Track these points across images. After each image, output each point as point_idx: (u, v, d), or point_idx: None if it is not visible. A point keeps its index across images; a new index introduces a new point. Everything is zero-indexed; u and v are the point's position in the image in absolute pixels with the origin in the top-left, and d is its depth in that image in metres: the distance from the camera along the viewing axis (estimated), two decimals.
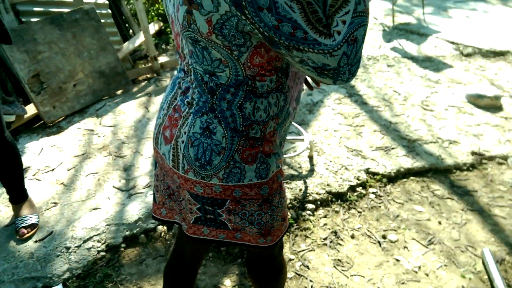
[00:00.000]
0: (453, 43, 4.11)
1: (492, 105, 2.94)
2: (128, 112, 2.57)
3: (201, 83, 0.83)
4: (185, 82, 0.88)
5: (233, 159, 0.84)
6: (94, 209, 1.82)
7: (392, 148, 2.39)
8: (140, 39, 3.17)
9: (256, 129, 0.84)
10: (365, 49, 3.85)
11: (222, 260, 1.64)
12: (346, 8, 0.65)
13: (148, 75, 3.09)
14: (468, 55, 3.89)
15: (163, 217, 1.06)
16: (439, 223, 1.88)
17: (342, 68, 0.68)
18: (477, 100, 2.97)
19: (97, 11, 2.96)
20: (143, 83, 2.98)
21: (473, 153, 2.39)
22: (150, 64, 3.13)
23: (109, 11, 3.19)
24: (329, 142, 2.41)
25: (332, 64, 0.67)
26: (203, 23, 0.71)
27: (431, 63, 3.65)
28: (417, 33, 4.34)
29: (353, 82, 3.20)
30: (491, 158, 2.37)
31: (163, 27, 3.74)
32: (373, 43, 4.02)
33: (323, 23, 0.66)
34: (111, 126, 2.41)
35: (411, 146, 2.42)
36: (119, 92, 2.80)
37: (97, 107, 2.59)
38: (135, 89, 2.88)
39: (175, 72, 3.07)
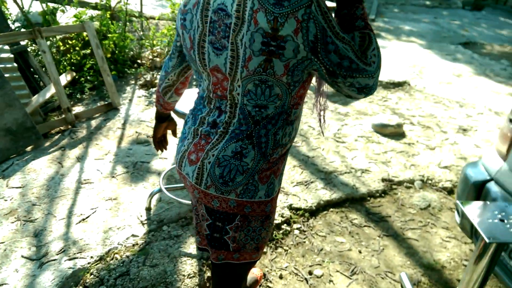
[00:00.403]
0: None
1: (396, 133, 3.26)
2: (39, 170, 2.40)
3: (247, 116, 0.99)
4: (211, 117, 1.05)
5: (252, 178, 1.01)
6: (0, 285, 1.65)
7: (311, 182, 2.52)
8: (51, 91, 3.02)
9: (278, 151, 1.04)
10: None
11: None
12: (372, 46, 0.91)
13: (62, 128, 2.93)
14: None
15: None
16: (360, 252, 2.01)
17: (374, 85, 0.94)
18: (382, 129, 3.28)
19: (1, 66, 2.79)
20: (56, 137, 2.81)
21: (383, 180, 2.62)
22: (63, 116, 2.98)
23: (15, 64, 3.01)
24: None
25: (371, 83, 0.93)
26: (281, 68, 0.90)
27: (340, 97, 3.97)
28: None
29: None
30: (399, 183, 2.61)
31: (76, 77, 3.61)
32: None
33: (363, 57, 0.90)
34: (20, 187, 2.22)
35: (328, 178, 2.58)
36: (28, 148, 2.61)
37: (3, 168, 2.38)
38: (47, 144, 2.71)
39: (92, 122, 2.97)
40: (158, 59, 4.47)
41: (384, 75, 4.60)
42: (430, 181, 2.67)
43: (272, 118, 0.98)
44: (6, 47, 3.09)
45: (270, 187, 1.05)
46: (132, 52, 4.44)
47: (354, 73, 0.90)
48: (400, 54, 5.60)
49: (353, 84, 0.92)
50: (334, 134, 3.19)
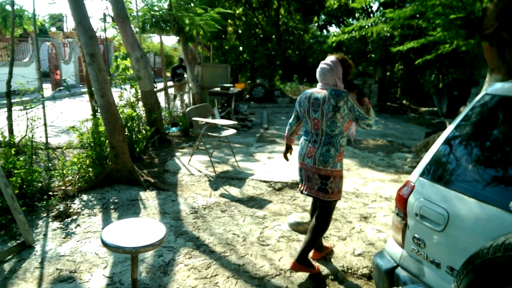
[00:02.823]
0: (265, 181, 5.01)
1: None
2: None
3: (328, 135, 2.68)
4: (313, 138, 2.77)
5: (334, 160, 2.69)
6: None
7: None
8: None
9: (342, 148, 2.73)
10: (198, 200, 4.30)
11: None
12: (371, 110, 2.65)
13: None
14: (280, 189, 4.78)
15: (305, 191, 2.88)
16: None
17: (372, 124, 2.68)
18: (298, 227, 3.64)
19: None
20: None
21: (311, 276, 2.86)
22: None
23: None
24: None
25: (371, 123, 2.66)
26: (338, 116, 2.59)
27: (255, 202, 4.33)
28: (236, 178, 5.13)
29: (196, 233, 3.49)
30: (325, 277, 2.86)
31: None
32: (204, 193, 4.54)
33: (368, 114, 2.63)
34: None
35: (262, 284, 2.74)
36: None
37: None
38: None
39: (5, 266, 2.77)
40: (70, 188, 4.40)
41: (288, 176, 5.17)
42: (350, 270, 3.00)
43: (337, 135, 2.67)
44: None
45: (340, 164, 2.73)
46: (40, 184, 4.32)
47: (364, 119, 2.60)
48: (296, 156, 6.36)
49: (365, 123, 2.61)
50: (257, 238, 3.43)
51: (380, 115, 12.47)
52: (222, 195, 4.50)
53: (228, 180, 5.06)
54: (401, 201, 2.02)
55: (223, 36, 15.19)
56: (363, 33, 8.21)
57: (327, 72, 2.66)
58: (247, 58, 16.47)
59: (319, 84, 2.74)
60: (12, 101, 5.23)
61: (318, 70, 2.73)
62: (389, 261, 2.05)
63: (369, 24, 8.46)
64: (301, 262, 2.74)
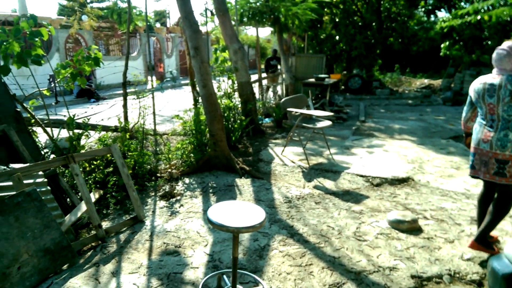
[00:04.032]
0: (362, 176, 4.80)
1: (413, 228, 3.39)
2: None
3: (505, 120, 2.69)
4: (489, 123, 2.79)
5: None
6: None
7: (343, 284, 2.57)
8: (82, 209, 3.19)
9: None
10: (292, 190, 4.30)
11: None
12: None
13: (93, 244, 3.03)
14: (378, 185, 4.54)
15: (478, 175, 2.92)
16: None
17: None
18: (399, 226, 3.41)
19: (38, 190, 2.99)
20: (88, 253, 2.90)
21: (412, 277, 2.67)
22: (94, 232, 3.10)
23: (48, 187, 3.22)
24: (286, 286, 2.51)
25: None
26: None
27: (351, 196, 4.17)
28: (331, 171, 5.01)
29: (290, 222, 3.49)
30: (429, 279, 2.66)
31: (102, 193, 3.81)
32: (297, 184, 4.52)
33: None
34: None
35: (359, 278, 2.63)
36: (65, 267, 2.68)
37: (43, 287, 2.43)
38: (81, 261, 2.78)
39: (121, 236, 3.05)
40: (174, 171, 4.75)
41: (388, 172, 4.89)
42: (457, 275, 2.72)
43: None
44: (41, 172, 3.34)
45: None
46: (149, 166, 4.73)
47: None
48: (397, 151, 5.99)
49: None
50: (354, 233, 3.31)
51: None
52: (316, 187, 4.43)
53: (322, 172, 4.97)
54: None
55: (319, 25, 14.91)
56: (479, 18, 7.32)
57: (504, 57, 2.70)
58: (344, 48, 15.93)
59: (494, 70, 2.80)
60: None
61: (493, 55, 2.77)
62: (508, 266, 1.81)
63: (486, 8, 7.52)
64: (480, 242, 2.92)
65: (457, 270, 2.77)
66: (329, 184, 4.53)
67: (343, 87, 14.73)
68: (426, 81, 17.11)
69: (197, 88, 5.85)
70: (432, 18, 16.51)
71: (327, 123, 5.55)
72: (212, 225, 2.01)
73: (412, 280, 2.63)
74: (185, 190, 4.28)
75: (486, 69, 13.33)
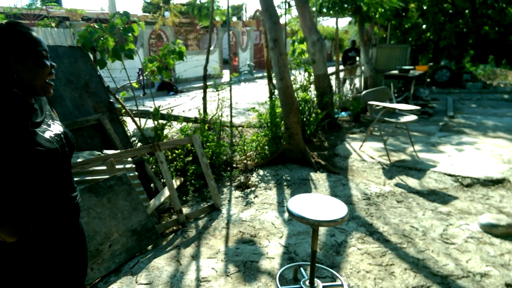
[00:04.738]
0: (450, 175, 4.42)
1: (508, 234, 3.03)
2: (161, 268, 2.59)
3: None
4: None
5: None
6: None
7: (428, 287, 2.38)
8: (165, 195, 3.38)
9: None
10: (371, 187, 4.10)
11: None
12: None
13: (174, 227, 3.19)
14: (469, 186, 4.14)
15: None
16: None
17: None
18: (492, 230, 3.08)
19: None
20: (170, 236, 3.06)
21: (507, 285, 2.39)
22: (175, 217, 3.26)
23: (136, 173, 3.46)
24: (365, 285, 2.40)
25: None
26: None
27: (437, 196, 3.86)
28: (415, 168, 4.69)
29: (369, 220, 3.33)
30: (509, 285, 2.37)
31: (182, 181, 4.00)
32: (377, 181, 4.30)
33: None
34: (147, 284, 2.40)
35: (446, 282, 2.42)
36: (149, 247, 2.86)
37: (130, 265, 2.61)
38: (164, 243, 2.95)
39: (199, 222, 3.17)
40: (249, 162, 4.82)
41: (480, 172, 4.44)
42: None
43: None
44: (129, 158, 3.59)
45: None
46: (225, 157, 4.86)
47: None
48: (491, 150, 5.42)
49: None
50: (440, 235, 3.06)
51: None
52: (397, 185, 4.18)
53: (405, 170, 4.67)
54: None
55: (404, 13, 14.02)
56: None
57: None
58: (431, 37, 14.79)
59: None
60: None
61: None
62: None
63: None
64: None
65: None
66: (412, 182, 4.25)
67: (429, 80, 13.71)
68: None
69: (273, 81, 5.86)
70: None
71: (412, 117, 5.19)
72: (292, 217, 1.98)
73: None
74: (260, 181, 4.31)
75: None
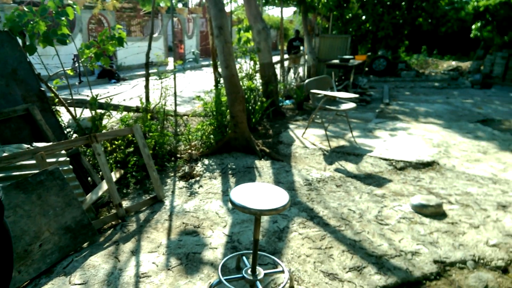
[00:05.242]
0: (385, 159, 4.67)
1: (437, 213, 3.28)
2: (98, 266, 2.48)
3: None
4: None
5: None
6: None
7: (364, 267, 2.51)
8: (103, 188, 3.23)
9: None
10: (313, 172, 4.22)
11: None
12: None
13: (113, 222, 3.07)
14: (402, 169, 4.41)
15: None
16: None
17: None
18: (422, 210, 3.31)
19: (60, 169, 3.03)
20: (109, 232, 2.94)
21: (435, 262, 2.59)
22: (114, 211, 3.13)
23: (70, 166, 3.27)
24: (306, 269, 2.48)
25: None
26: None
27: (373, 180, 4.07)
28: (353, 154, 4.90)
29: (310, 205, 3.43)
30: (452, 264, 2.57)
31: (122, 173, 3.85)
32: (318, 166, 4.44)
33: None
34: (82, 284, 2.29)
35: (380, 262, 2.57)
36: (85, 245, 2.72)
37: (64, 265, 2.47)
38: (101, 239, 2.82)
39: (141, 216, 3.08)
40: (194, 152, 4.75)
41: (412, 156, 4.74)
42: (482, 261, 2.62)
43: None
44: (63, 151, 3.38)
45: None
46: (169, 147, 4.74)
47: None
48: (422, 134, 5.80)
49: None
50: (375, 216, 3.23)
51: None
52: (337, 170, 4.35)
53: (344, 155, 4.87)
54: None
55: (345, 5, 14.46)
56: None
57: None
58: (370, 28, 15.42)
59: None
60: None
61: None
62: None
63: None
64: None
65: (482, 256, 2.67)
66: (350, 167, 4.43)
67: (367, 69, 14.34)
68: (454, 63, 16.46)
69: (219, 69, 5.79)
70: None
71: (351, 105, 5.40)
72: (234, 207, 1.98)
73: (435, 265, 2.55)
74: (204, 171, 4.27)
75: None
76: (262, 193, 2.08)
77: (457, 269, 2.54)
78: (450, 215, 3.27)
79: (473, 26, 13.57)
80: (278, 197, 2.03)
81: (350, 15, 15.83)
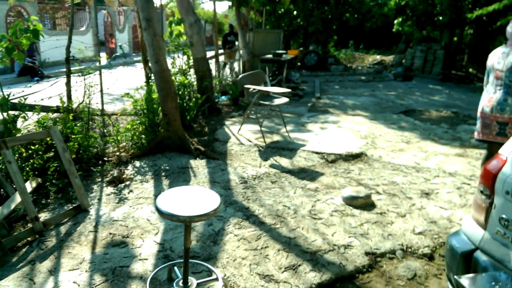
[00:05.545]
0: (317, 153, 4.78)
1: (366, 204, 3.41)
2: None
3: (507, 85, 3.21)
4: (493, 88, 3.34)
5: (510, 107, 3.22)
6: None
7: (299, 265, 2.52)
8: (16, 201, 2.90)
9: None
10: (248, 170, 4.19)
11: None
12: None
13: (29, 239, 2.77)
14: (333, 161, 4.54)
15: (481, 137, 3.48)
16: None
17: None
18: (352, 202, 3.42)
19: None
20: (23, 250, 2.64)
21: (366, 254, 2.67)
22: (30, 226, 2.82)
23: None
24: (241, 273, 2.42)
25: None
26: None
27: (306, 174, 4.14)
28: (287, 148, 4.95)
29: (246, 204, 3.39)
30: (382, 255, 2.67)
31: (40, 182, 3.50)
32: (253, 163, 4.42)
33: None
34: None
35: (314, 258, 2.59)
36: None
37: None
38: (14, 259, 2.52)
39: (62, 229, 2.80)
40: (123, 154, 4.48)
41: (342, 148, 4.90)
42: (409, 249, 2.76)
43: None
44: None
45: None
46: (96, 150, 4.43)
47: None
48: (351, 127, 6.04)
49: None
50: (309, 211, 3.27)
51: (444, 85, 11.55)
52: (272, 166, 4.36)
53: (279, 150, 4.90)
54: (488, 177, 1.73)
55: (278, 0, 14.64)
56: None
57: None
58: (301, 23, 15.78)
59: (509, 41, 3.29)
60: (72, 68, 5.35)
61: (508, 29, 3.27)
62: (466, 243, 1.79)
63: None
64: None
65: (409, 245, 2.81)
66: (285, 162, 4.47)
67: (299, 63, 14.69)
68: (378, 57, 17.47)
69: (150, 64, 5.51)
70: None
71: (284, 100, 5.45)
72: (161, 215, 1.85)
73: (367, 257, 2.63)
74: (135, 174, 4.05)
75: (436, 44, 13.77)
76: (191, 197, 1.98)
77: (387, 259, 2.65)
78: (379, 205, 3.42)
79: (395, 21, 14.47)
80: (209, 201, 1.94)
81: (282, 10, 16.07)
